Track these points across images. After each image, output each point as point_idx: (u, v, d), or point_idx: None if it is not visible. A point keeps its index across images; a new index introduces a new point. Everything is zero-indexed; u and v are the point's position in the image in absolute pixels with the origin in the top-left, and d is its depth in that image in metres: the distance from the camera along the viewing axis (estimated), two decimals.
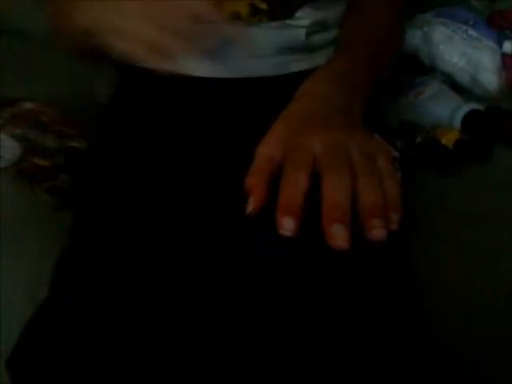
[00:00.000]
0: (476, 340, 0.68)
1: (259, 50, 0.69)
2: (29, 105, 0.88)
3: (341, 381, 0.46)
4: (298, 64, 0.71)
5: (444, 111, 0.96)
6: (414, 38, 1.08)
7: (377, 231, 0.47)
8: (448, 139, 0.88)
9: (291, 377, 0.46)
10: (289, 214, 0.47)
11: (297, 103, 0.57)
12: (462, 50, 1.03)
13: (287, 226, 0.47)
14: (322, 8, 0.71)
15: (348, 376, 0.46)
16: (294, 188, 0.49)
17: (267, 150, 0.53)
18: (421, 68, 1.08)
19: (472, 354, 0.66)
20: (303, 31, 0.70)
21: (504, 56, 1.02)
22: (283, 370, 0.46)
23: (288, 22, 0.70)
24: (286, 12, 0.69)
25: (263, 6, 0.68)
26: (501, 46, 1.03)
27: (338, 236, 0.46)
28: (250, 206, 0.49)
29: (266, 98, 0.66)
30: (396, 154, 0.56)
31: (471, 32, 1.05)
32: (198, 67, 0.70)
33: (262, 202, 0.49)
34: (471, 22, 1.06)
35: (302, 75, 0.62)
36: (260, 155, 0.53)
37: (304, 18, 0.70)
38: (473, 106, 0.94)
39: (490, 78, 1.02)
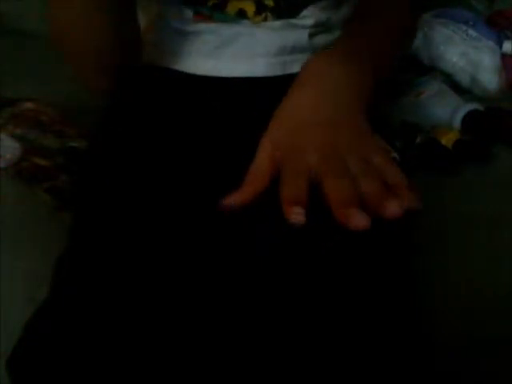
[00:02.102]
0: (476, 340, 0.68)
1: (262, 50, 0.70)
2: (29, 105, 0.88)
3: (341, 381, 0.46)
4: (300, 64, 0.70)
5: (444, 111, 0.96)
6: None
7: (392, 205, 0.46)
8: (448, 139, 0.88)
9: (291, 376, 0.46)
10: (296, 204, 0.47)
11: (294, 95, 0.56)
12: (462, 50, 1.03)
13: (297, 210, 0.46)
14: (326, 8, 0.71)
15: (348, 376, 0.46)
16: (296, 188, 0.48)
17: (266, 151, 0.53)
18: (421, 68, 1.08)
19: (472, 354, 0.66)
20: (306, 32, 0.70)
21: (504, 56, 1.02)
22: (283, 369, 0.46)
23: (292, 21, 0.70)
24: (292, 10, 0.69)
25: (269, 2, 0.68)
26: (501, 46, 1.03)
27: (356, 215, 0.45)
28: (236, 198, 0.49)
29: (267, 98, 0.66)
30: (395, 154, 0.56)
31: (471, 32, 1.05)
32: (200, 66, 0.70)
33: (248, 197, 0.49)
34: (471, 22, 1.06)
35: None
36: (260, 157, 0.53)
37: (308, 17, 0.70)
38: (473, 106, 0.94)
39: (489, 78, 1.02)
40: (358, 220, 0.44)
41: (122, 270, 0.52)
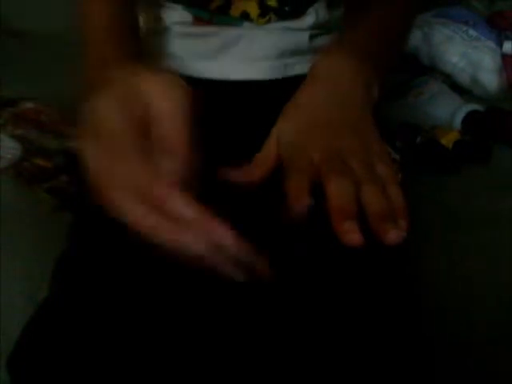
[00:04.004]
0: (476, 340, 0.68)
1: (262, 53, 0.69)
2: (29, 105, 0.88)
3: (341, 381, 0.46)
4: (301, 67, 0.70)
5: (444, 112, 0.96)
6: (414, 38, 1.08)
7: (392, 234, 0.46)
8: (448, 140, 0.88)
9: (291, 377, 0.46)
10: (300, 196, 0.47)
11: (303, 95, 0.55)
12: (462, 51, 1.04)
13: (303, 200, 0.46)
14: (328, 7, 0.71)
15: (348, 376, 0.46)
16: (298, 182, 0.48)
17: (273, 144, 0.52)
18: (421, 68, 1.08)
19: (472, 354, 0.67)
20: (307, 34, 0.70)
21: (504, 56, 1.03)
22: (283, 370, 0.46)
23: (294, 23, 0.69)
24: (296, 10, 0.69)
25: (272, 2, 0.67)
26: (501, 46, 1.03)
27: (352, 230, 0.44)
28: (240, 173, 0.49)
29: (268, 100, 0.66)
30: (396, 156, 0.56)
31: (471, 32, 1.05)
32: (201, 69, 0.70)
33: (251, 176, 0.49)
34: (471, 22, 1.06)
35: (304, 78, 0.61)
36: (266, 148, 0.52)
37: (309, 18, 0.70)
38: (473, 106, 0.95)
39: (490, 78, 1.02)
40: (353, 237, 0.44)
41: (122, 270, 0.52)
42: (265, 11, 0.68)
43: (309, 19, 0.70)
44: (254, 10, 0.67)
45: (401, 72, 1.03)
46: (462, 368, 0.65)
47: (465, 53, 1.03)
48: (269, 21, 0.68)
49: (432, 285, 0.68)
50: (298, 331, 0.47)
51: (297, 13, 0.69)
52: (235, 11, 0.68)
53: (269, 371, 0.46)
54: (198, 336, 0.48)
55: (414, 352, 0.50)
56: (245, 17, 0.68)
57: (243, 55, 0.69)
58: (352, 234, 0.44)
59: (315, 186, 0.48)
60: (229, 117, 0.66)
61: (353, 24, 0.65)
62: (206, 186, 0.56)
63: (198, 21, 0.69)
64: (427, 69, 1.07)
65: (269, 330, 0.48)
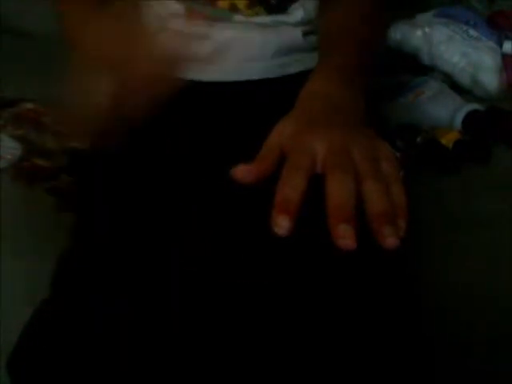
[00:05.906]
0: (476, 340, 0.68)
1: (258, 54, 0.69)
2: (29, 105, 0.88)
3: (341, 381, 0.46)
4: (298, 65, 0.70)
5: (444, 112, 0.96)
6: (414, 38, 1.08)
7: (391, 239, 0.46)
8: (448, 139, 0.88)
9: (291, 377, 0.46)
10: (285, 213, 0.46)
11: (301, 105, 0.56)
12: (462, 50, 1.04)
13: (282, 223, 0.46)
14: (314, 3, 0.71)
15: (348, 376, 0.46)
16: (291, 188, 0.48)
17: (275, 139, 0.52)
18: (421, 68, 1.08)
19: (472, 354, 0.67)
20: (299, 30, 0.70)
21: (504, 56, 1.03)
22: (284, 371, 0.46)
23: (282, 17, 0.70)
24: (281, 2, 0.69)
25: None
26: (501, 46, 1.03)
27: (346, 235, 0.45)
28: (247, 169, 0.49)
29: (266, 100, 0.66)
30: (396, 154, 0.55)
31: (471, 32, 1.05)
32: (197, 71, 0.70)
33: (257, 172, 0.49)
34: (471, 22, 1.06)
35: (302, 76, 0.61)
36: (268, 144, 0.52)
37: (297, 12, 0.70)
38: (473, 106, 0.95)
39: (490, 78, 1.02)
40: (347, 242, 0.44)
41: (122, 271, 0.52)
42: (252, 2, 0.68)
43: (297, 14, 0.70)
44: (241, 2, 0.68)
45: (401, 72, 1.03)
46: (462, 368, 0.65)
47: (465, 53, 1.03)
48: (257, 14, 0.69)
49: (432, 285, 0.68)
50: (298, 332, 0.47)
51: (283, 5, 0.69)
52: (223, 4, 0.68)
53: (269, 372, 0.46)
54: (197, 337, 0.48)
55: (414, 352, 0.50)
56: (233, 9, 0.68)
57: (238, 57, 0.69)
58: (346, 240, 0.44)
59: (315, 179, 0.48)
60: (228, 118, 0.66)
61: (329, 40, 0.66)
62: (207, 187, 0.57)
63: (191, 13, 0.69)
64: (427, 69, 1.07)
65: (269, 332, 0.48)
